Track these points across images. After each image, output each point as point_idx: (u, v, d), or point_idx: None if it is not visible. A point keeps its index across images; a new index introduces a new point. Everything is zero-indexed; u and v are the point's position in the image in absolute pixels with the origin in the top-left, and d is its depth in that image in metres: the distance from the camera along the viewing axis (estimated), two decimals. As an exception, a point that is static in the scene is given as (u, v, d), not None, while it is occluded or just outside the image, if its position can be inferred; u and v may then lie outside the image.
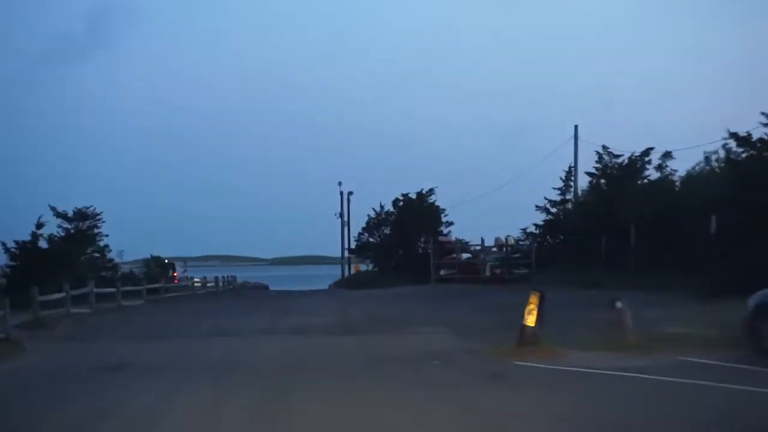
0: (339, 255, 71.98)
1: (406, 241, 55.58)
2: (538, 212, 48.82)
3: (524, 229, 51.40)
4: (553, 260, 45.32)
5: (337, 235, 71.27)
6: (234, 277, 58.81)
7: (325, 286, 61.02)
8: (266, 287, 66.79)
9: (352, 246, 64.12)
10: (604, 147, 40.48)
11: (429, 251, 51.43)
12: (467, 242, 53.24)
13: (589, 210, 40.96)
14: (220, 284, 53.28)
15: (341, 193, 70.54)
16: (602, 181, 41.26)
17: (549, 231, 48.17)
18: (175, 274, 60.04)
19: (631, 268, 34.43)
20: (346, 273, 68.58)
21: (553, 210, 48.52)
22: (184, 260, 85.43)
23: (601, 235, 37.99)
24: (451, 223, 56.94)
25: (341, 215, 70.15)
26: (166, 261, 62.27)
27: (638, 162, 39.20)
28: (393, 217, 57.81)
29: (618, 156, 40.19)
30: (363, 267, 65.88)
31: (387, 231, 58.35)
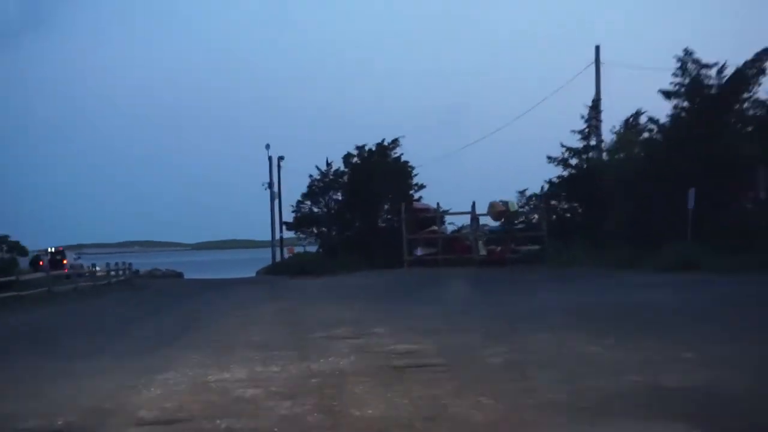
0: (269, 238, 57.19)
1: (364, 209, 41.21)
2: (551, 165, 35.35)
3: (522, 192, 38.04)
4: (576, 230, 32.49)
5: (267, 215, 56.52)
6: (129, 265, 43.65)
7: (252, 273, 49.29)
8: (180, 275, 57.24)
9: (289, 220, 48.93)
10: (686, 51, 26.61)
11: (397, 223, 37.83)
12: (447, 210, 39.64)
13: (657, 150, 27.27)
14: (99, 272, 38.14)
15: (270, 159, 55.69)
16: (684, 104, 27.12)
17: (571, 189, 34.73)
18: (65, 262, 50.75)
19: (761, 236, 21.22)
20: (278, 256, 54.02)
21: (574, 162, 35.01)
22: (80, 247, 75.56)
23: (683, 186, 24.65)
24: (422, 186, 42.83)
25: (270, 185, 55.37)
26: (53, 249, 55.08)
27: (751, 71, 25.60)
28: (345, 177, 43.53)
29: (709, 66, 26.50)
30: (298, 248, 51.71)
31: (338, 197, 43.64)
